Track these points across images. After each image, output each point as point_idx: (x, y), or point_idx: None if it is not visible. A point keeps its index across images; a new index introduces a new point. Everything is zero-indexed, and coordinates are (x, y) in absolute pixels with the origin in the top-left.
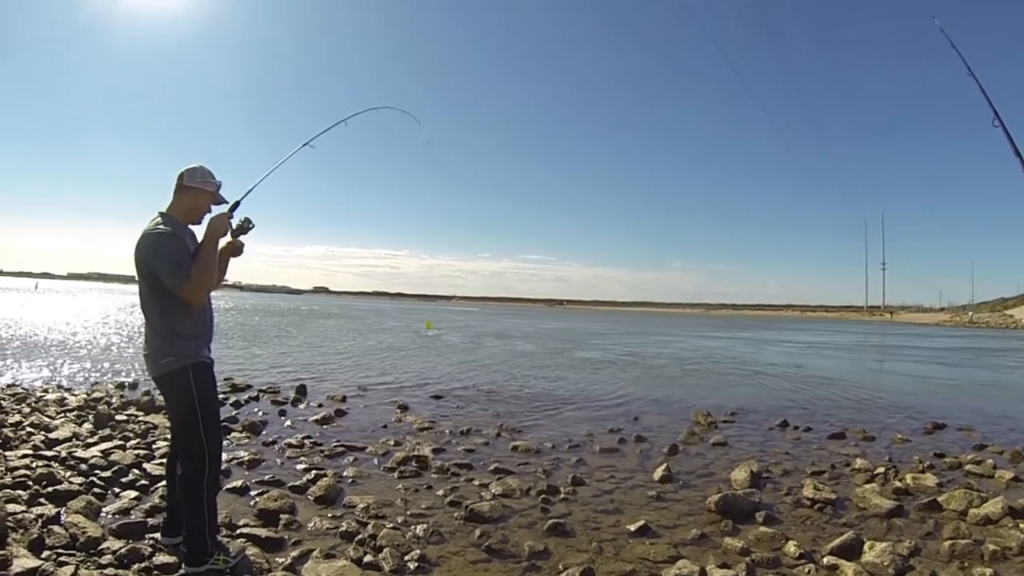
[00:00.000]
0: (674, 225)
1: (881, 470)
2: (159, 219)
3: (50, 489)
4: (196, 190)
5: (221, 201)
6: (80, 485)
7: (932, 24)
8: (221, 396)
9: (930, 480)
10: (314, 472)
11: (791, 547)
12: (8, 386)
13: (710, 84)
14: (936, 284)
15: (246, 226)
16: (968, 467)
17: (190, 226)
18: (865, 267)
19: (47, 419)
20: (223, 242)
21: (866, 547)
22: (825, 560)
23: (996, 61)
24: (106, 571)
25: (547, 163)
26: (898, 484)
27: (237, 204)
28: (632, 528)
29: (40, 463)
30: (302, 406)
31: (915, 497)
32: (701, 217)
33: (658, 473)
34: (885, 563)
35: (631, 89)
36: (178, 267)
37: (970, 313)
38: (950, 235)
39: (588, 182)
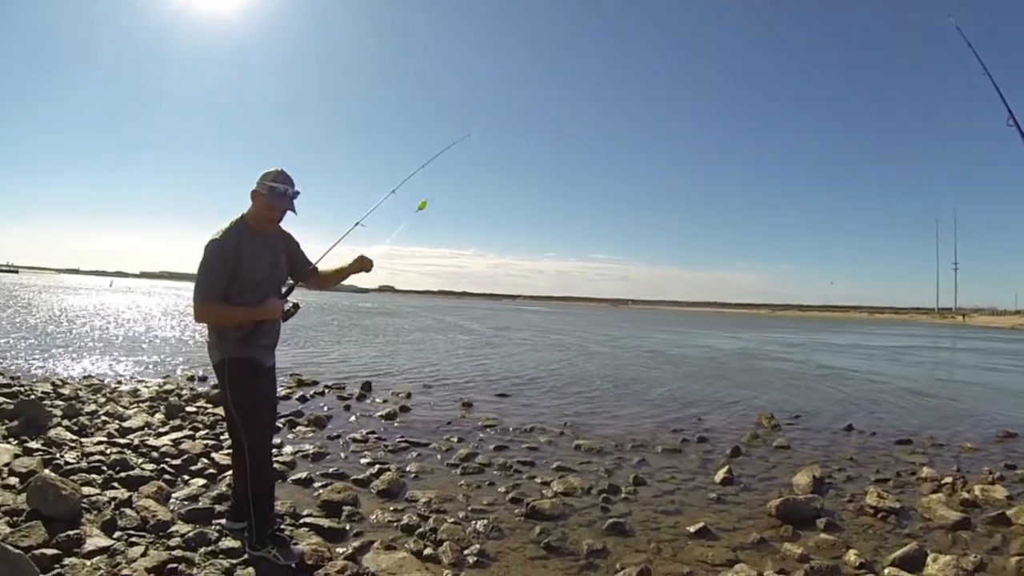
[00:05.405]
0: (739, 225)
1: (948, 480)
2: (228, 224)
3: (123, 474)
4: (256, 194)
5: (286, 207)
6: (151, 471)
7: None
8: (287, 392)
9: (999, 492)
10: (377, 466)
11: (852, 556)
12: (85, 377)
13: (782, 87)
14: (1011, 286)
15: (293, 311)
16: None
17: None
18: (936, 267)
19: (121, 409)
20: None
21: (929, 559)
22: (886, 571)
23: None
24: (174, 552)
25: (614, 164)
26: (965, 495)
27: (291, 289)
28: (691, 530)
29: (114, 449)
30: (367, 402)
31: (983, 509)
32: (767, 217)
33: (719, 475)
34: None
35: (697, 93)
36: (206, 279)
37: None
38: None
39: (655, 182)
